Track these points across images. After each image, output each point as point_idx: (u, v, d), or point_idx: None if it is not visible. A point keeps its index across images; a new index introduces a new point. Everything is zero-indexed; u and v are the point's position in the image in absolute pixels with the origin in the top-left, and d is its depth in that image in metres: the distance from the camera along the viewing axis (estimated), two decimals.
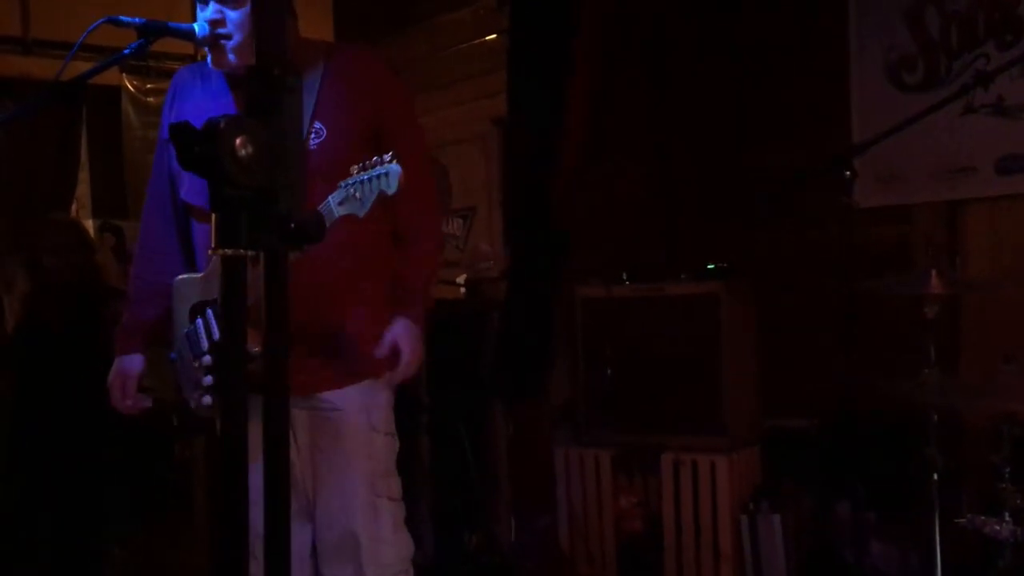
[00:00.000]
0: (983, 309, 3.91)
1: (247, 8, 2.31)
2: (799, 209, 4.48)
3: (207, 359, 2.49)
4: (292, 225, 1.13)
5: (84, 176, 5.99)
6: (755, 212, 4.49)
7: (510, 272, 4.87)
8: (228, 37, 2.38)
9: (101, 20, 2.16)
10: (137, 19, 2.21)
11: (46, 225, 4.12)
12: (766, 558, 4.06)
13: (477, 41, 5.10)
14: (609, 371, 4.55)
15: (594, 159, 4.68)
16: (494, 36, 4.99)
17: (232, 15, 2.36)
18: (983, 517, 2.79)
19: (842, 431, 3.77)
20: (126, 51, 2.25)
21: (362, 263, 2.63)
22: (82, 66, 2.34)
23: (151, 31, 2.21)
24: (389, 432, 2.73)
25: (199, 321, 2.55)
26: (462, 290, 5.08)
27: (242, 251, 1.10)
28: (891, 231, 4.16)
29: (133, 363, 2.78)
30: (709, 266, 4.42)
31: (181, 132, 1.04)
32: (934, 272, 3.15)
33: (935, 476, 3.08)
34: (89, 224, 5.63)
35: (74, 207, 5.70)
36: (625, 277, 4.56)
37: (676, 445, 4.38)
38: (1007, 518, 3.08)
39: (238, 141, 1.05)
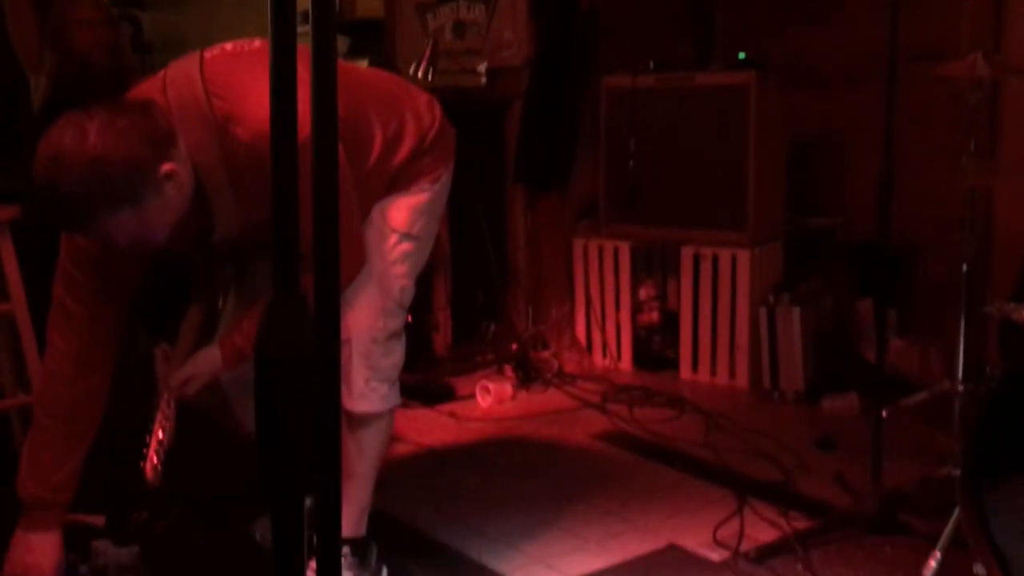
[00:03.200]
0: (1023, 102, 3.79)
1: None
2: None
3: None
4: None
5: None
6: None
7: (534, 60, 4.72)
8: None
9: None
10: None
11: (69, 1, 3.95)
12: (783, 351, 4.07)
13: None
14: (632, 164, 4.47)
15: None
16: None
17: None
18: (1012, 304, 2.74)
19: (871, 228, 3.70)
20: None
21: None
22: None
23: None
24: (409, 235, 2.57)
25: None
26: (483, 79, 4.93)
27: None
28: (935, 22, 3.98)
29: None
30: (740, 56, 4.27)
31: None
32: (979, 55, 3.02)
33: (964, 267, 3.02)
34: None
35: None
36: (652, 67, 4.43)
37: (697, 239, 4.35)
38: None
39: None
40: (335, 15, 1.12)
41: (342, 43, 6.04)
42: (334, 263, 1.12)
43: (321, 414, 1.06)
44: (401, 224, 2.52)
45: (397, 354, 2.53)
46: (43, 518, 2.35)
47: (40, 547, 2.34)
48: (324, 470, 1.11)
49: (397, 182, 2.53)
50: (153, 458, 2.26)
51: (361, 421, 2.48)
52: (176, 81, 2.18)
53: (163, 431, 2.29)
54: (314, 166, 1.10)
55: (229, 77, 2.17)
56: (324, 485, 1.12)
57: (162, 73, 2.24)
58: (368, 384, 2.45)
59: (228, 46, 2.29)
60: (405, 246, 2.54)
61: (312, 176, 1.09)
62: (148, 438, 2.28)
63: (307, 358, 1.02)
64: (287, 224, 1.03)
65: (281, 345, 1.01)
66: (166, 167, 2.05)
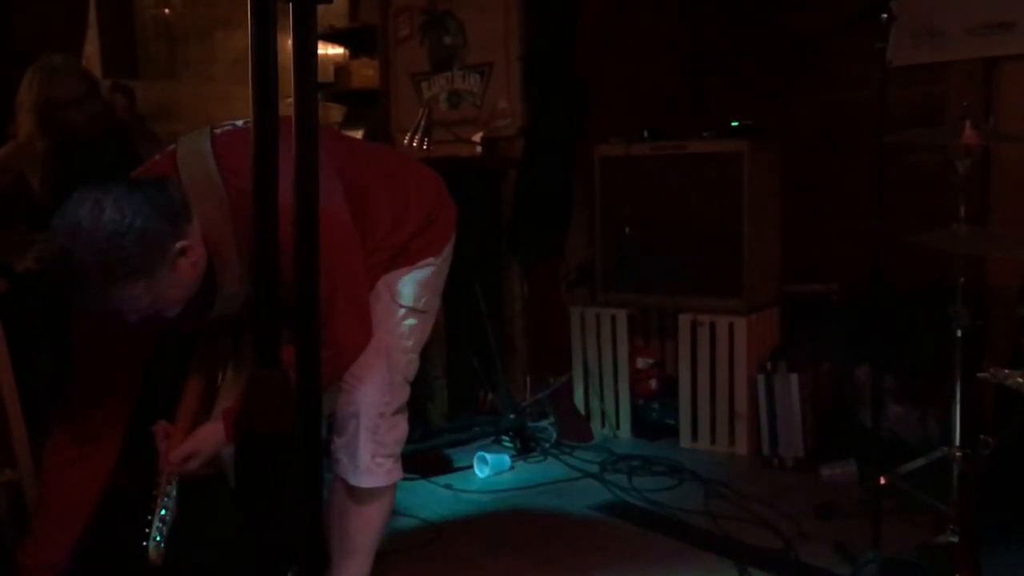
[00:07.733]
0: (1013, 168, 3.81)
1: None
2: (830, 68, 4.35)
3: None
4: None
5: (93, 35, 5.84)
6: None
7: (528, 130, 4.77)
8: None
9: None
10: None
11: (48, 82, 3.89)
12: (782, 418, 4.05)
13: None
14: (627, 231, 4.49)
15: (620, 15, 4.51)
16: None
17: None
18: (1006, 371, 2.74)
19: (866, 294, 3.71)
20: None
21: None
22: None
23: None
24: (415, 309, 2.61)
25: None
26: (478, 148, 4.97)
27: None
28: (924, 91, 4.03)
29: None
30: (733, 123, 4.31)
31: None
32: (967, 123, 3.05)
33: (958, 333, 3.02)
34: None
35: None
36: (646, 135, 4.47)
37: (694, 306, 4.35)
38: None
39: None
40: (317, 84, 1.14)
41: (338, 112, 6.11)
42: (315, 332, 1.13)
43: (302, 489, 1.06)
44: (408, 298, 2.55)
45: (401, 428, 2.53)
46: None
47: None
48: (306, 545, 1.10)
49: (402, 257, 2.56)
50: (156, 537, 2.23)
51: (365, 496, 2.47)
52: (187, 158, 2.21)
53: (165, 509, 2.26)
54: (295, 238, 1.10)
55: (241, 153, 2.17)
56: (306, 560, 1.11)
57: (172, 149, 2.27)
58: (374, 459, 2.45)
59: (239, 123, 2.31)
60: (411, 320, 2.56)
61: (295, 245, 1.10)
62: (150, 517, 2.26)
63: (288, 434, 1.02)
64: (268, 300, 1.04)
65: (261, 421, 1.01)
66: (180, 242, 2.06)
